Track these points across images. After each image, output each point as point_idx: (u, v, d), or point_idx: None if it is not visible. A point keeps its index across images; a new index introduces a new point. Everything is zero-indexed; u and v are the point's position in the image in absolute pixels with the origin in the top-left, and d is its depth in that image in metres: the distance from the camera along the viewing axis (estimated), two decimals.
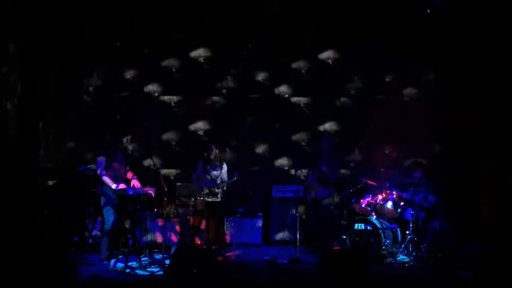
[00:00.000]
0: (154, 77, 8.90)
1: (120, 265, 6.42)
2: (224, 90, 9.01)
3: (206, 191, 7.02)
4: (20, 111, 7.35)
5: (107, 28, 8.38)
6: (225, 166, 7.38)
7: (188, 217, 7.08)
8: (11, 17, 7.06)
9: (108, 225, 6.44)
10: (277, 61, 8.95)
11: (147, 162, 8.41)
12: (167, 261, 6.37)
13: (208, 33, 8.68)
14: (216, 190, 7.12)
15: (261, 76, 9.04)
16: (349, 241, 7.27)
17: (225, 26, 8.51)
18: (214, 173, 7.27)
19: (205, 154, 7.30)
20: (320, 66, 8.96)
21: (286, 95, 9.03)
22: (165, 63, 8.93)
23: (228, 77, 8.99)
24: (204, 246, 6.98)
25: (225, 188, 7.17)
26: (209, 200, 7.07)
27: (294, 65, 9.01)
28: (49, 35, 7.74)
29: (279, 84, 9.03)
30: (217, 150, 7.32)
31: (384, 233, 7.06)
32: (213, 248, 6.68)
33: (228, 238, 7.87)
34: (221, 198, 7.24)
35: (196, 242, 7.23)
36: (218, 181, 7.21)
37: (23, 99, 7.39)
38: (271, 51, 8.87)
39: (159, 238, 7.54)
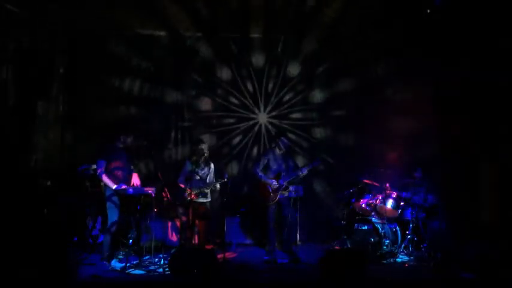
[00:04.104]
0: (153, 76, 8.87)
1: (120, 265, 6.43)
2: (224, 89, 9.01)
3: (196, 191, 6.95)
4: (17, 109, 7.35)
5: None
6: (212, 166, 7.20)
7: (184, 218, 7.04)
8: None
9: (110, 225, 6.44)
10: (276, 60, 8.96)
11: (147, 163, 8.42)
12: (167, 261, 6.38)
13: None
14: (206, 190, 7.04)
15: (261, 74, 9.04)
16: (349, 241, 7.28)
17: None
18: (203, 172, 7.10)
19: (194, 154, 7.11)
20: (319, 64, 8.96)
21: (286, 93, 9.03)
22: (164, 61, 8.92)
23: (229, 75, 8.99)
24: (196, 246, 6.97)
25: (218, 188, 7.07)
26: (199, 200, 6.97)
27: (293, 63, 9.01)
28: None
29: (278, 82, 9.03)
30: (207, 151, 7.10)
31: (384, 233, 7.07)
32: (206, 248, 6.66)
33: (227, 238, 7.85)
34: (211, 198, 7.17)
35: (194, 242, 7.21)
36: (208, 181, 7.11)
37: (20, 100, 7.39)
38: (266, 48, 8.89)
39: (159, 238, 7.53)
